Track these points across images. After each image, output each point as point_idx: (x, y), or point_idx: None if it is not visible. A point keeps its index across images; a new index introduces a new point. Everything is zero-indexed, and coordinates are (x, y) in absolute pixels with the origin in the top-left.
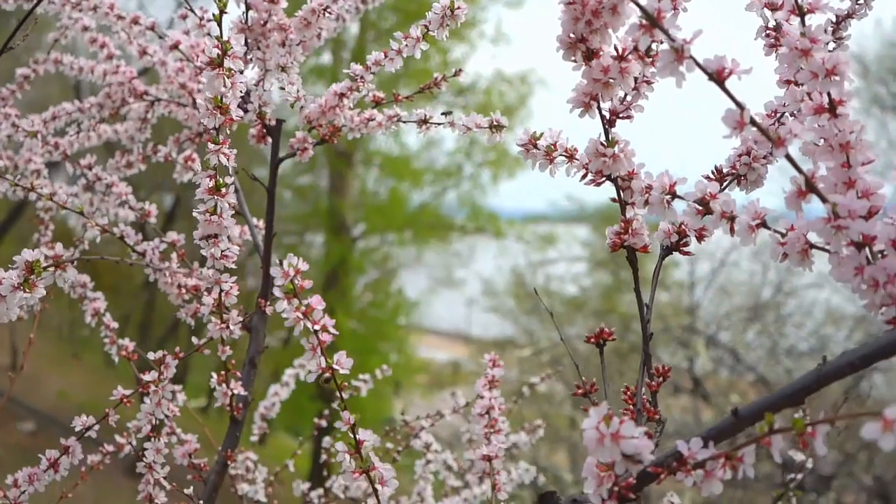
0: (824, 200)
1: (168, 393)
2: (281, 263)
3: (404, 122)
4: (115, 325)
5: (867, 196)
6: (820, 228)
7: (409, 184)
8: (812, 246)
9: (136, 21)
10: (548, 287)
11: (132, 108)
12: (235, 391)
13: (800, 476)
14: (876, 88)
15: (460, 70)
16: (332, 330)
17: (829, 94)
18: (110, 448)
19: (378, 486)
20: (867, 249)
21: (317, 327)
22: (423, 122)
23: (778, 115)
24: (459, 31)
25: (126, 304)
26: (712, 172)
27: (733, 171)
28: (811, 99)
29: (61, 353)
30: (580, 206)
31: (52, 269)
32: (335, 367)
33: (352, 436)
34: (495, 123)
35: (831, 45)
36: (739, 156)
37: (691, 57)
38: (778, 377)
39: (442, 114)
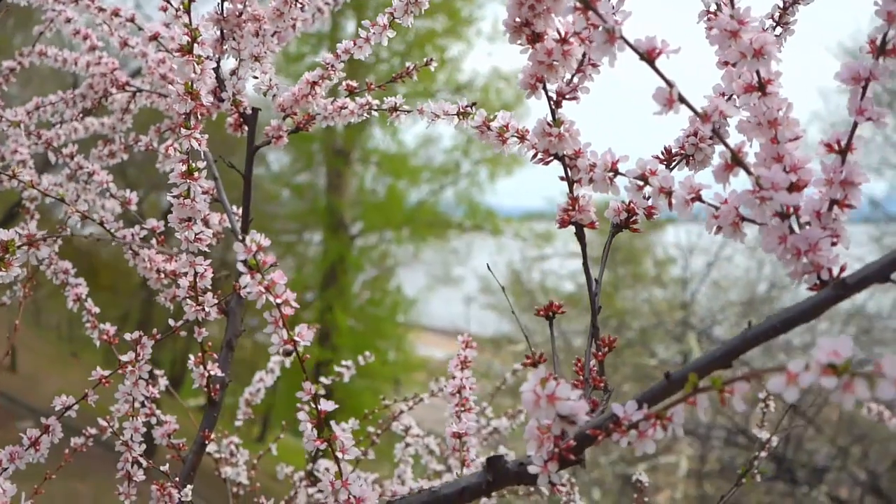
0: (749, 173)
1: (145, 373)
2: (244, 240)
3: (375, 109)
4: (96, 309)
5: (795, 170)
6: (746, 200)
7: (407, 182)
8: (743, 218)
9: (116, 13)
10: (544, 283)
11: (115, 99)
12: (212, 373)
13: (763, 454)
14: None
15: (431, 60)
16: (294, 303)
17: (758, 73)
18: (92, 431)
19: (339, 454)
20: (791, 220)
21: (279, 300)
22: (394, 109)
23: (726, 96)
24: (456, 28)
25: (124, 303)
26: (661, 153)
27: (682, 151)
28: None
29: (60, 353)
30: None
31: (25, 247)
32: (296, 339)
33: (314, 406)
34: (462, 111)
35: (778, 30)
36: (687, 136)
37: (622, 38)
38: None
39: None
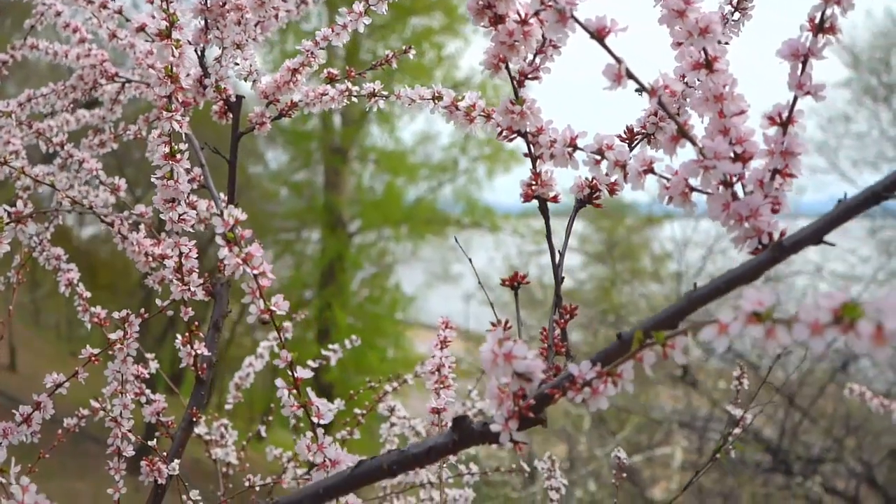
0: (695, 144)
1: (132, 350)
2: (222, 214)
3: (355, 96)
4: (87, 294)
5: (740, 142)
6: (692, 170)
7: (405, 179)
8: (692, 189)
9: (104, 5)
10: (542, 279)
11: (105, 91)
12: (199, 352)
13: (738, 430)
14: (867, 79)
15: (410, 47)
16: (270, 275)
17: (704, 51)
18: (85, 412)
19: (315, 419)
20: (735, 188)
21: (256, 272)
22: (372, 95)
23: (684, 78)
24: (453, 26)
25: (123, 302)
26: (623, 132)
27: (643, 130)
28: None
29: (59, 352)
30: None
31: (13, 224)
32: (273, 308)
33: (290, 374)
34: (437, 95)
35: (736, 15)
36: (648, 116)
37: (573, 17)
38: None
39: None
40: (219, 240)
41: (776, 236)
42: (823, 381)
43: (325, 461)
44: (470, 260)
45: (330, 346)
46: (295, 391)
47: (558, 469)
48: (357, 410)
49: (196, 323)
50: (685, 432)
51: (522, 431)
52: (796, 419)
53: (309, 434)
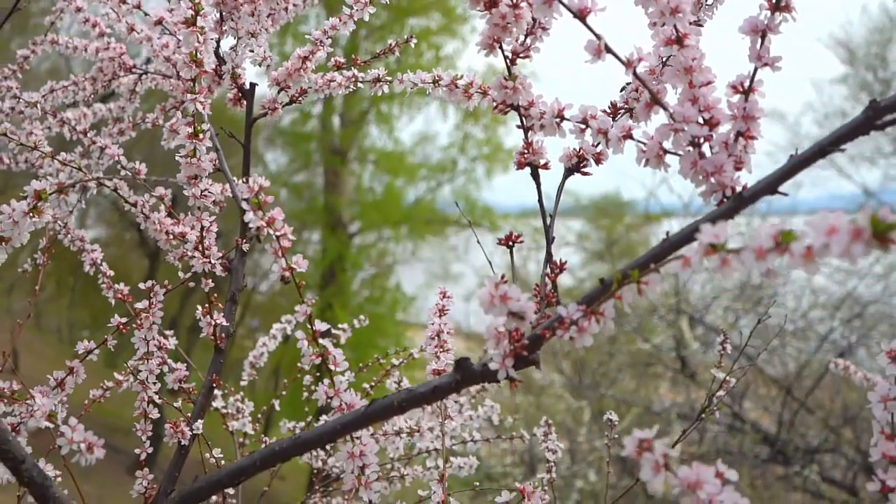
0: (666, 110)
1: (158, 319)
2: (247, 181)
3: (361, 81)
4: (111, 273)
5: (708, 110)
6: (664, 133)
7: (404, 179)
8: (665, 151)
9: (123, 1)
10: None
11: (122, 82)
12: (219, 322)
13: (721, 393)
14: (863, 75)
15: (411, 37)
16: (291, 236)
17: (675, 29)
18: (109, 384)
19: (332, 367)
20: (701, 149)
21: (279, 233)
22: (377, 80)
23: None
24: (451, 26)
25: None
26: (608, 106)
27: (626, 105)
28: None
29: (61, 355)
30: (575, 199)
31: (56, 194)
32: (294, 266)
33: (309, 327)
34: (437, 78)
35: (710, 1)
36: (630, 91)
37: (559, 0)
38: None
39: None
40: (244, 205)
41: (738, 189)
42: (820, 373)
43: (341, 404)
44: (485, 253)
45: (339, 326)
46: (314, 342)
47: (553, 432)
48: (366, 385)
49: (215, 294)
50: (684, 424)
51: (518, 370)
52: (794, 410)
53: (326, 381)
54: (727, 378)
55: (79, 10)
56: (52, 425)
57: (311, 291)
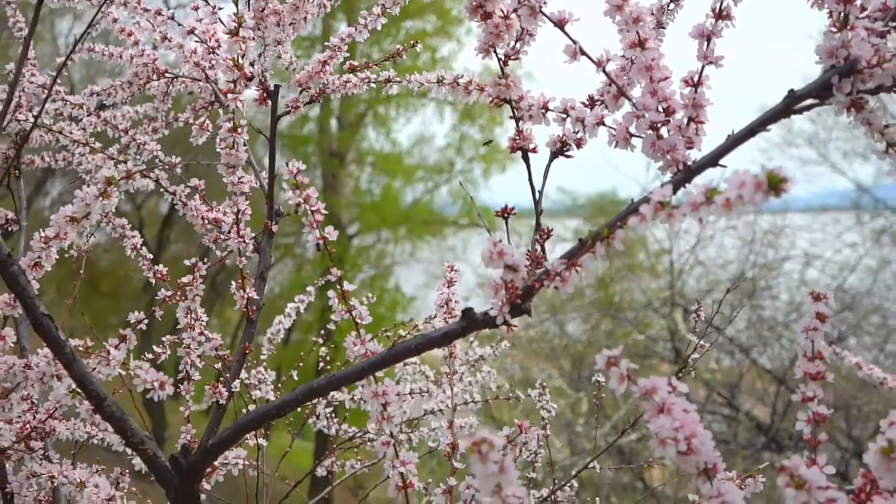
0: (630, 100)
1: (200, 291)
2: (287, 164)
3: (374, 81)
4: (150, 256)
5: (665, 100)
6: (630, 119)
7: (402, 181)
8: (631, 135)
9: (158, 13)
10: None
11: (152, 85)
12: (250, 295)
13: (697, 355)
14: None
15: (416, 42)
16: (323, 210)
17: (638, 34)
18: (150, 356)
19: (358, 321)
20: (659, 132)
21: (313, 208)
22: (388, 80)
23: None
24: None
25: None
26: (587, 99)
27: (601, 97)
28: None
29: None
30: (572, 199)
31: (125, 179)
32: (326, 235)
33: (339, 287)
34: (440, 78)
35: (672, 6)
36: (603, 87)
37: (541, 12)
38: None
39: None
40: (285, 184)
41: (689, 164)
42: None
43: (366, 352)
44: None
45: (367, 296)
46: (343, 299)
47: (547, 393)
48: None
49: (245, 273)
50: None
51: (514, 317)
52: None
53: (353, 332)
54: (701, 343)
55: (115, 20)
56: (124, 372)
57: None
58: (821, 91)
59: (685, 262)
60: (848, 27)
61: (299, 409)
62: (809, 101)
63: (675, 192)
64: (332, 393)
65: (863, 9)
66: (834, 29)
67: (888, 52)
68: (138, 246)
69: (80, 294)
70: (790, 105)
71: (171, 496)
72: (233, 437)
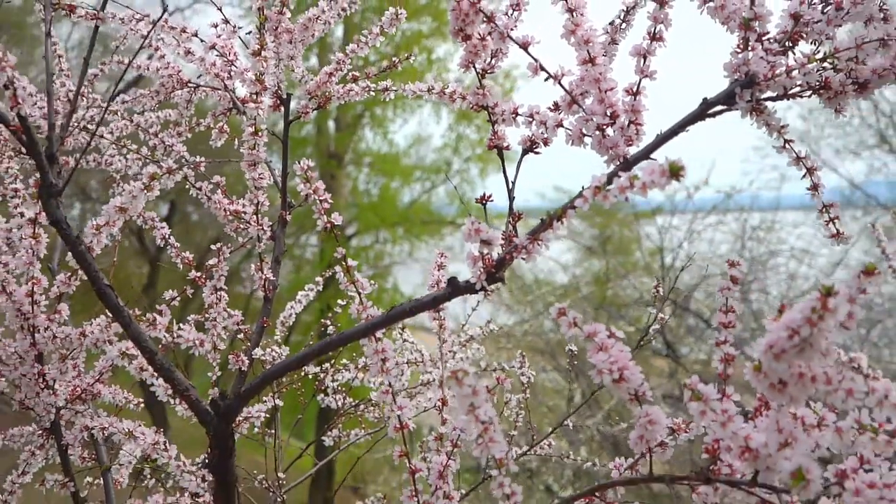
0: (580, 107)
1: (225, 272)
2: (299, 162)
3: (374, 90)
4: (177, 245)
5: (611, 106)
6: (581, 122)
7: (400, 181)
8: (584, 134)
9: (184, 30)
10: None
11: (176, 94)
12: (268, 276)
13: (656, 327)
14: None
15: (410, 55)
16: (329, 200)
17: (588, 52)
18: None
19: (360, 291)
20: (605, 132)
21: (321, 198)
22: (386, 89)
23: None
24: (442, 30)
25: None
26: (552, 104)
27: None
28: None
29: None
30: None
31: (166, 175)
32: (332, 220)
33: (345, 263)
34: (430, 87)
35: (623, 25)
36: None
37: (509, 36)
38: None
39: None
40: (298, 178)
41: (627, 157)
42: None
43: (367, 316)
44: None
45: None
46: (348, 273)
47: (526, 363)
48: None
49: (264, 257)
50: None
51: (490, 284)
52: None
53: (357, 300)
54: (661, 316)
55: (144, 37)
56: (169, 337)
57: (319, 280)
58: (727, 99)
59: (675, 256)
60: (749, 48)
61: (312, 382)
62: (719, 108)
63: (626, 169)
64: (337, 375)
65: (762, 35)
66: (738, 49)
67: (780, 68)
68: (167, 236)
69: (81, 296)
70: (705, 110)
71: (211, 433)
72: (261, 385)
